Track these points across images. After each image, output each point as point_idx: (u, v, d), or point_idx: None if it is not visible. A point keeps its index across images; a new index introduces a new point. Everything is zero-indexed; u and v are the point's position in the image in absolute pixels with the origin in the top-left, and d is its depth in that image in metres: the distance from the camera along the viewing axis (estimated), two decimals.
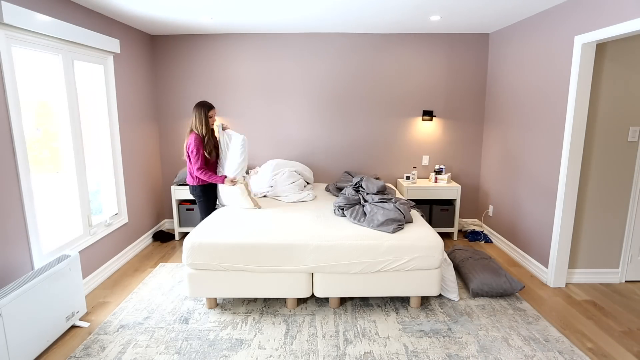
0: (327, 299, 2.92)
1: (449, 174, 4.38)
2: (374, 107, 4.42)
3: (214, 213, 3.23)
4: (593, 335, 2.49)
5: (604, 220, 3.13)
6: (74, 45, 2.94)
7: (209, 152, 3.22)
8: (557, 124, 3.09)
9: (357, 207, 3.05)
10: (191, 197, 4.14)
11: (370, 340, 2.43)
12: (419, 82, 4.36)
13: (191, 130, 3.23)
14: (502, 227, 4.02)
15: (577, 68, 2.81)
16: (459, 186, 4.16)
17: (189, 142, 3.19)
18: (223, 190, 3.36)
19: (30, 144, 2.56)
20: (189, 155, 3.22)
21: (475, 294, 2.95)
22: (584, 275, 3.20)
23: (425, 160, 4.53)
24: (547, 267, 3.22)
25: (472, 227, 4.52)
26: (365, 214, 2.96)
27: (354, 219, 2.91)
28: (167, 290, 3.11)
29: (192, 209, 4.22)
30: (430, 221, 4.25)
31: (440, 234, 4.42)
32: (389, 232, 2.71)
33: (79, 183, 3.05)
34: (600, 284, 3.19)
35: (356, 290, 2.69)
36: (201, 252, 2.61)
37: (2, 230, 2.30)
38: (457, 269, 3.31)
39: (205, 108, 3.20)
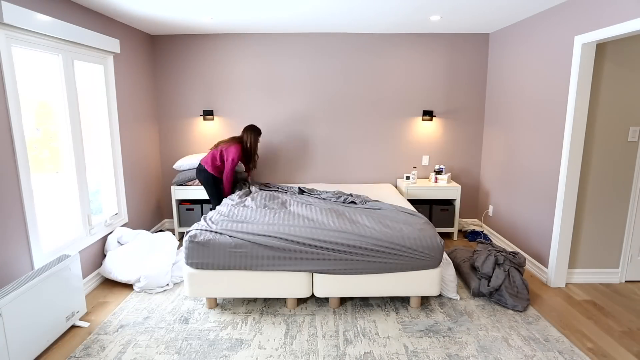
0: (327, 299, 2.92)
1: (449, 174, 4.38)
2: (374, 106, 4.42)
3: (212, 212, 3.23)
4: (593, 335, 2.49)
5: (603, 220, 3.13)
6: (74, 45, 2.94)
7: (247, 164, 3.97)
8: (557, 123, 3.09)
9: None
10: (191, 197, 4.15)
11: (370, 340, 2.43)
12: (419, 82, 4.36)
13: (240, 143, 3.80)
14: (502, 227, 4.02)
15: (577, 68, 2.81)
16: (459, 186, 4.16)
17: (234, 150, 3.71)
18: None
19: (30, 144, 2.55)
20: (224, 157, 3.75)
21: (476, 294, 2.95)
22: (584, 275, 3.20)
23: (425, 160, 4.53)
24: (547, 267, 3.22)
25: (472, 227, 4.52)
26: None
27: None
28: (167, 289, 3.11)
29: (192, 209, 4.22)
30: (430, 221, 4.24)
31: (440, 234, 4.42)
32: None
33: (79, 183, 3.05)
34: (600, 284, 3.19)
35: (356, 290, 2.69)
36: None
37: (2, 230, 2.30)
38: (457, 268, 3.31)
39: (259, 134, 3.89)
